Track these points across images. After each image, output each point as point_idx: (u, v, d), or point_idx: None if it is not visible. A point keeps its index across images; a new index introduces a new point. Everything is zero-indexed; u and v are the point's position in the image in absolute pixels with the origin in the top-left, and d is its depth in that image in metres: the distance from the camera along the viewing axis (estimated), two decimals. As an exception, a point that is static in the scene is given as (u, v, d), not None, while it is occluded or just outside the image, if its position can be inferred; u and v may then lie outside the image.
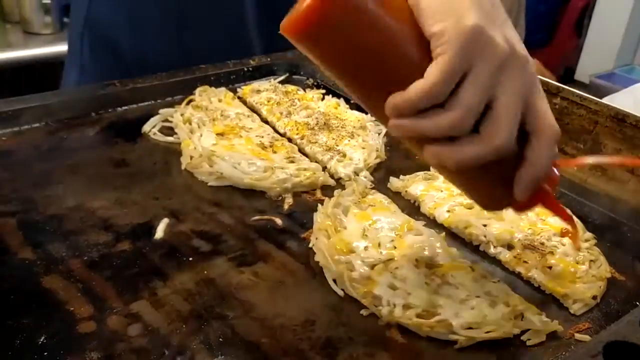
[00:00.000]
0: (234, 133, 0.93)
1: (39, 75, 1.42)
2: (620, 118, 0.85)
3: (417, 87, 0.52)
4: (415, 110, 0.53)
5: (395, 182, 0.88)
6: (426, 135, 0.55)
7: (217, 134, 0.92)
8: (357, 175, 0.89)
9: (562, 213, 0.65)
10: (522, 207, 0.62)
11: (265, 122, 1.01)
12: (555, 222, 0.79)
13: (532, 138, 0.56)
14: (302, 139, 0.96)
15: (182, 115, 0.97)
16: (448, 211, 0.80)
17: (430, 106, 0.53)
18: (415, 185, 0.86)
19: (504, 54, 0.53)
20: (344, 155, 0.92)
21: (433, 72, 0.52)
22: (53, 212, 0.75)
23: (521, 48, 0.55)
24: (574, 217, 0.68)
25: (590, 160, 0.69)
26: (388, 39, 0.53)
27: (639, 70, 2.74)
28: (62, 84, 1.32)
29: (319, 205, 0.78)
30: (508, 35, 0.54)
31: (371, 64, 0.54)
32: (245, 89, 1.10)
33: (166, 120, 0.98)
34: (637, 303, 0.70)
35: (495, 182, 0.59)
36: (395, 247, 0.71)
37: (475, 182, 0.61)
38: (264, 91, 1.09)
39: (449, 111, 0.53)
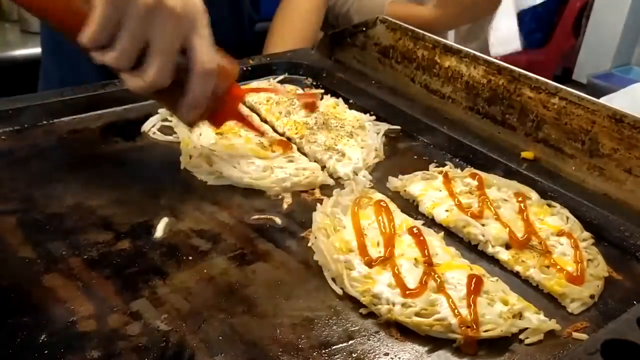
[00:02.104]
0: (233, 132, 0.93)
1: (37, 74, 1.43)
2: (618, 118, 0.85)
3: (82, 34, 0.67)
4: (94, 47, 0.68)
5: (394, 182, 0.88)
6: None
7: (217, 133, 0.92)
8: (356, 174, 0.89)
9: (248, 124, 0.87)
10: (214, 122, 0.83)
11: (265, 121, 1.02)
12: (553, 222, 0.80)
13: (189, 72, 0.70)
14: (301, 138, 0.96)
15: (181, 114, 0.97)
16: (446, 210, 0.81)
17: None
18: (414, 184, 0.86)
19: (147, 4, 0.65)
20: (343, 155, 0.92)
21: (88, 22, 0.66)
22: (53, 211, 0.75)
23: None
24: (262, 126, 0.92)
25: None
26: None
27: (637, 70, 2.75)
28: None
29: (318, 204, 0.79)
30: None
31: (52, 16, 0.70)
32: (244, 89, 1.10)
33: (166, 120, 0.98)
34: (635, 302, 0.70)
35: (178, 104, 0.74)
36: (394, 246, 0.72)
37: (166, 103, 0.79)
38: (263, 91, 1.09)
39: (110, 51, 0.68)
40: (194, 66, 0.70)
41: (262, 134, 0.89)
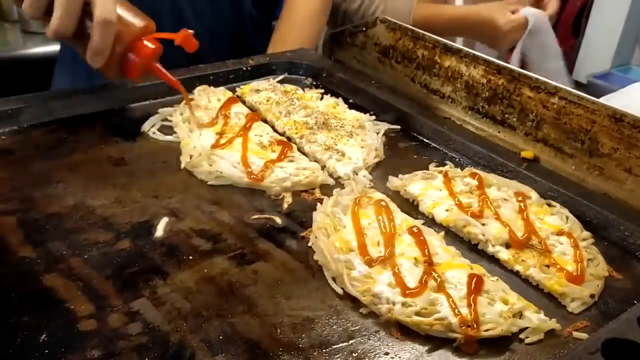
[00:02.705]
0: (232, 132, 0.93)
1: (37, 74, 1.43)
2: (617, 118, 0.85)
3: None
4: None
5: (394, 181, 0.88)
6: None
7: (216, 133, 0.92)
8: (356, 174, 0.89)
9: (164, 78, 0.90)
10: (127, 73, 0.87)
11: (264, 121, 1.02)
12: (553, 222, 0.80)
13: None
14: (301, 138, 0.96)
15: (181, 114, 0.97)
16: (447, 210, 0.81)
17: None
18: (414, 184, 0.86)
19: None
20: (343, 155, 0.92)
21: None
22: (53, 211, 0.75)
23: None
24: (177, 82, 0.93)
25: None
26: None
27: (636, 70, 2.74)
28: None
29: (318, 204, 0.79)
30: None
31: None
32: (244, 89, 1.10)
33: (165, 120, 0.98)
34: (635, 301, 0.70)
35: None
36: (394, 246, 0.72)
37: (82, 52, 0.84)
38: (263, 90, 1.09)
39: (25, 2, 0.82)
40: (93, 16, 0.80)
41: (177, 87, 0.93)
